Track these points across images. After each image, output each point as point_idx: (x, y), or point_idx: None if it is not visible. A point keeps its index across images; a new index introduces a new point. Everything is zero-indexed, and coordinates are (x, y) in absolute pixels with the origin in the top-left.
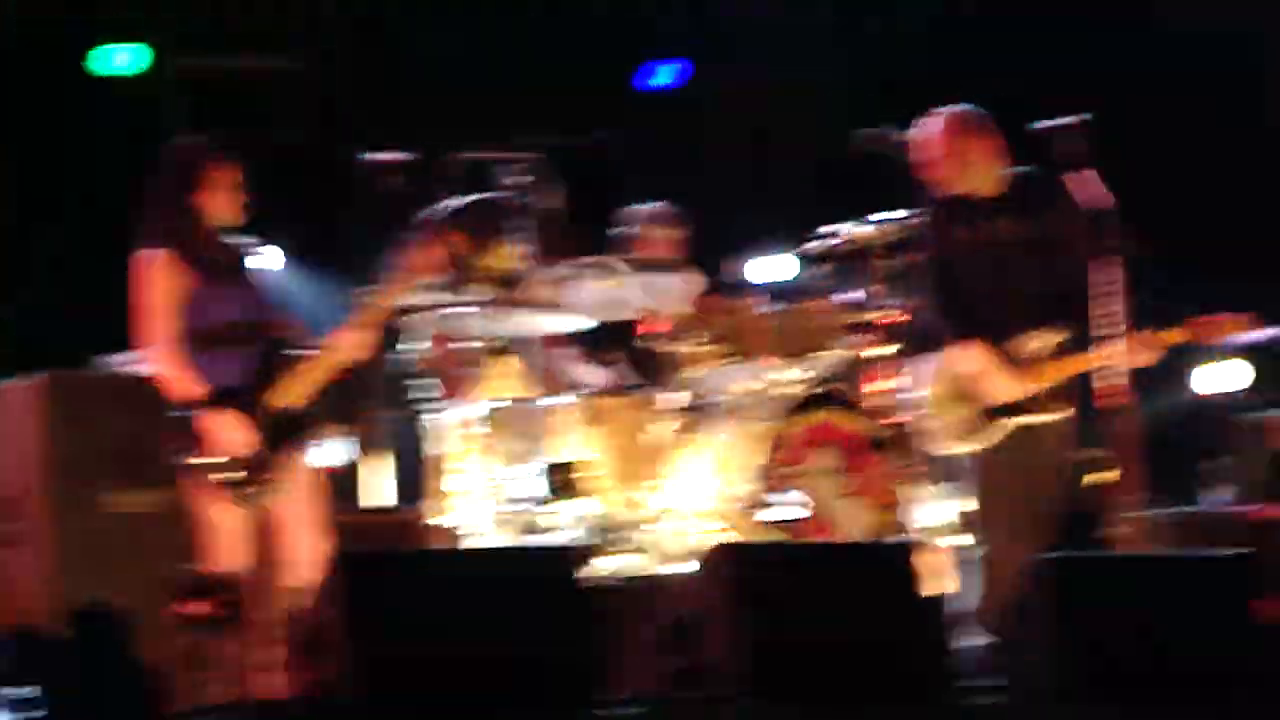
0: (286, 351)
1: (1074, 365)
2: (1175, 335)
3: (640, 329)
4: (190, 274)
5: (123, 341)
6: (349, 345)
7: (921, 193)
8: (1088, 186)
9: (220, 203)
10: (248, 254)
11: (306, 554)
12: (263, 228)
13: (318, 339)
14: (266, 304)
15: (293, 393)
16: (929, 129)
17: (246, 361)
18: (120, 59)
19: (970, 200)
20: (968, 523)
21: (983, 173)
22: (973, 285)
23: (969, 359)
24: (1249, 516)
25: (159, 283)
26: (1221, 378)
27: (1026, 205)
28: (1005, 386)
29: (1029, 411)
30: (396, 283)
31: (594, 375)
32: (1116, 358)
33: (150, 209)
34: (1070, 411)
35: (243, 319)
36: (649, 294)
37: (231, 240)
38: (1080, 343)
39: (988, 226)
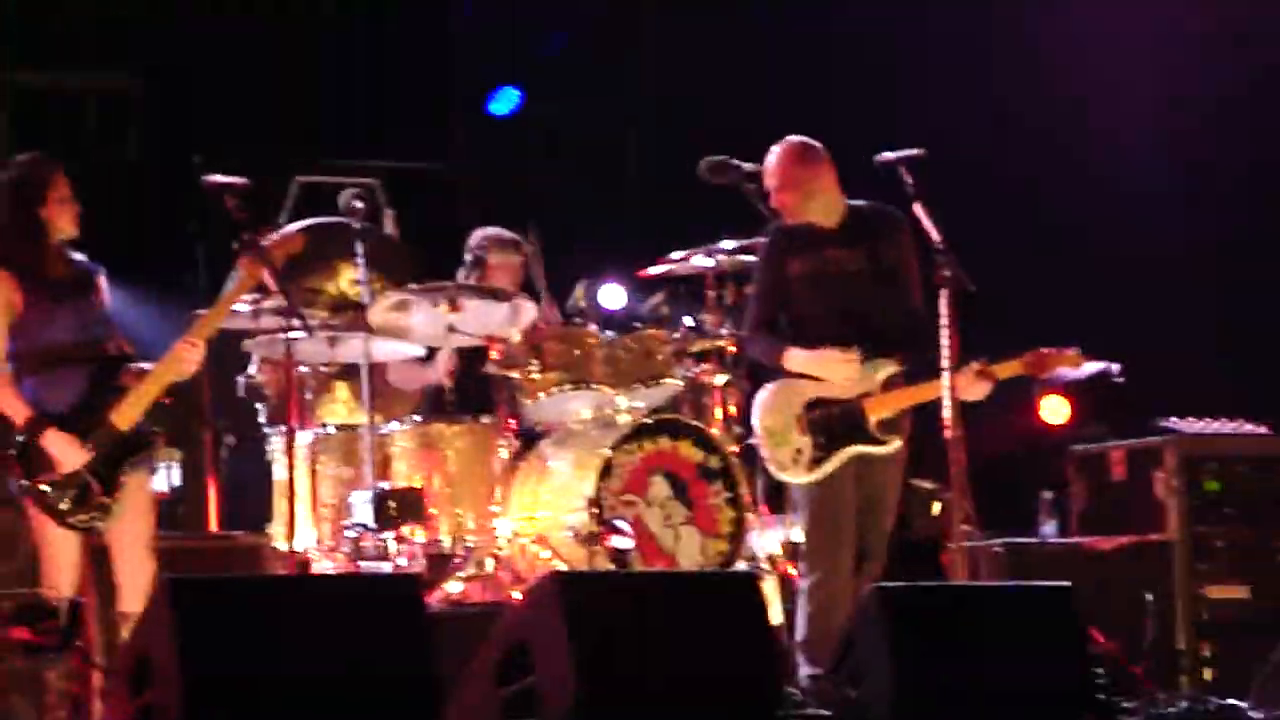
0: (121, 371)
1: (909, 396)
2: (1008, 369)
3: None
4: (27, 293)
5: None
6: (180, 361)
7: (766, 223)
8: (924, 219)
9: (61, 216)
10: (86, 271)
11: (137, 578)
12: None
13: (150, 359)
14: (104, 322)
15: (127, 414)
16: (771, 158)
17: (81, 381)
18: None
19: (810, 229)
20: (796, 552)
21: (821, 203)
22: (809, 313)
23: (798, 364)
24: (1083, 548)
25: None
26: (1056, 410)
27: (865, 236)
28: (842, 372)
29: (865, 441)
30: (226, 299)
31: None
32: (951, 390)
33: None
34: (902, 442)
35: (80, 338)
36: (483, 320)
37: (71, 257)
38: (916, 374)
39: (825, 256)
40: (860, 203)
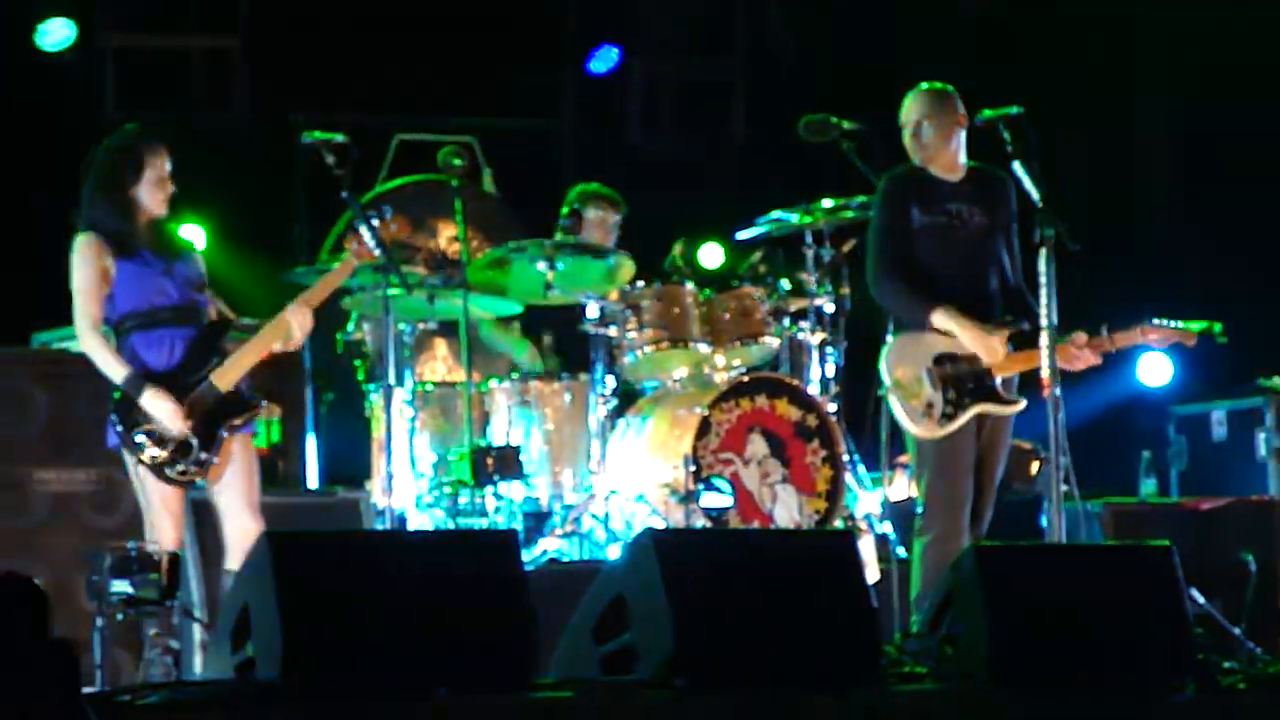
0: (221, 336)
1: (1034, 358)
2: (1124, 340)
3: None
4: (125, 258)
5: (59, 319)
6: (286, 328)
7: (865, 181)
8: (1024, 178)
9: (152, 197)
10: (183, 244)
11: (243, 537)
12: (194, 208)
13: (253, 322)
14: (202, 289)
15: (227, 376)
16: (914, 97)
17: (181, 344)
18: (53, 34)
19: (933, 179)
20: (906, 510)
21: (952, 153)
22: (929, 266)
23: (945, 325)
24: (1184, 507)
25: (92, 265)
26: (1157, 371)
27: (984, 193)
28: (988, 346)
29: (992, 400)
30: (337, 268)
31: (529, 356)
32: (1051, 350)
33: (89, 193)
34: (1023, 403)
35: (179, 303)
36: (581, 278)
37: (164, 230)
38: (1030, 336)
39: (949, 209)
40: (973, 162)
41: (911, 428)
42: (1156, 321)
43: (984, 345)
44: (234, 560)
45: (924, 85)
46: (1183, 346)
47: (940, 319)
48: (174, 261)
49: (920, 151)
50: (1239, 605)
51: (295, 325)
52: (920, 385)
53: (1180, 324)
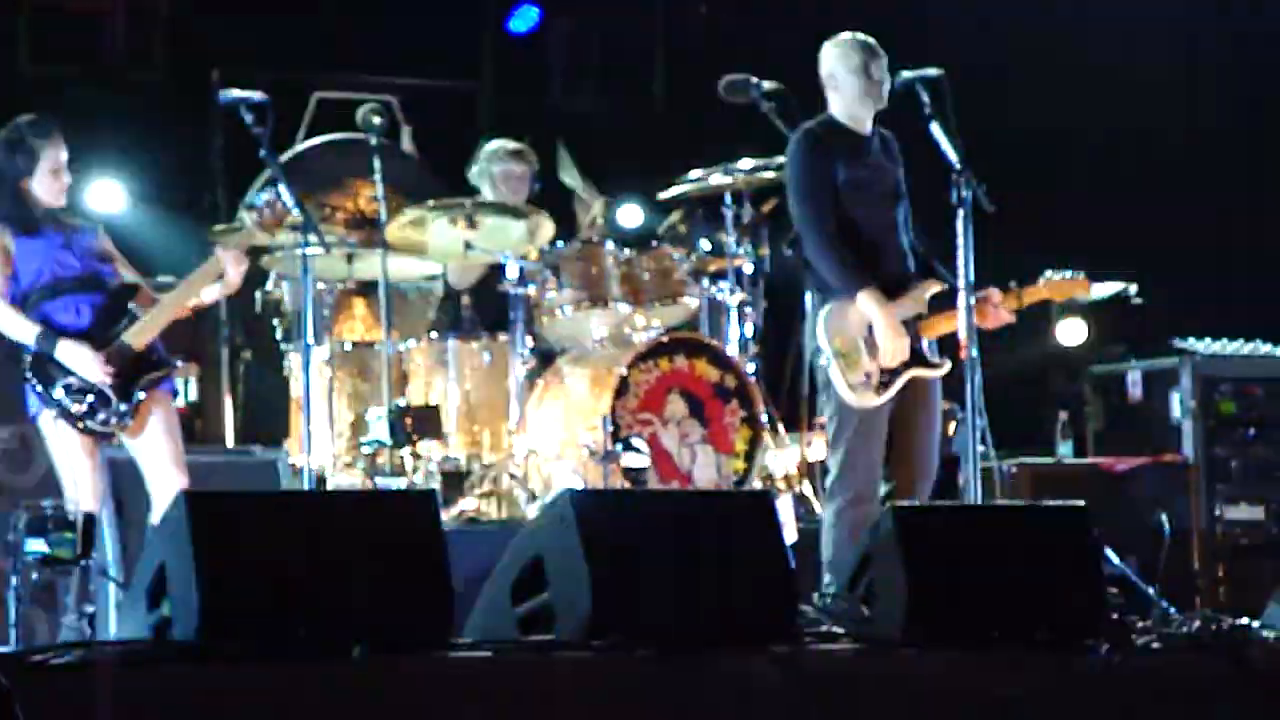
0: (129, 298)
1: (953, 319)
2: (1032, 294)
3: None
4: (25, 235)
5: None
6: (221, 268)
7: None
8: (942, 140)
9: (46, 189)
10: (83, 226)
11: (168, 494)
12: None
13: (164, 281)
14: (107, 261)
15: (141, 335)
16: (837, 44)
17: (89, 308)
18: None
19: (851, 133)
20: (826, 471)
21: (871, 105)
22: (852, 222)
23: (865, 313)
24: (1100, 468)
25: None
26: (1073, 331)
27: (891, 149)
28: (893, 349)
29: (922, 365)
30: (255, 226)
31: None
32: (968, 311)
33: None
34: (949, 365)
35: (84, 273)
36: (500, 238)
37: (61, 216)
38: (948, 296)
39: (870, 164)
40: None
41: (850, 398)
42: (1055, 274)
43: (892, 342)
44: (159, 517)
45: (846, 35)
46: (1098, 304)
47: (864, 301)
48: (74, 234)
49: (841, 103)
50: (1153, 565)
51: (228, 267)
52: (859, 354)
53: (1074, 274)
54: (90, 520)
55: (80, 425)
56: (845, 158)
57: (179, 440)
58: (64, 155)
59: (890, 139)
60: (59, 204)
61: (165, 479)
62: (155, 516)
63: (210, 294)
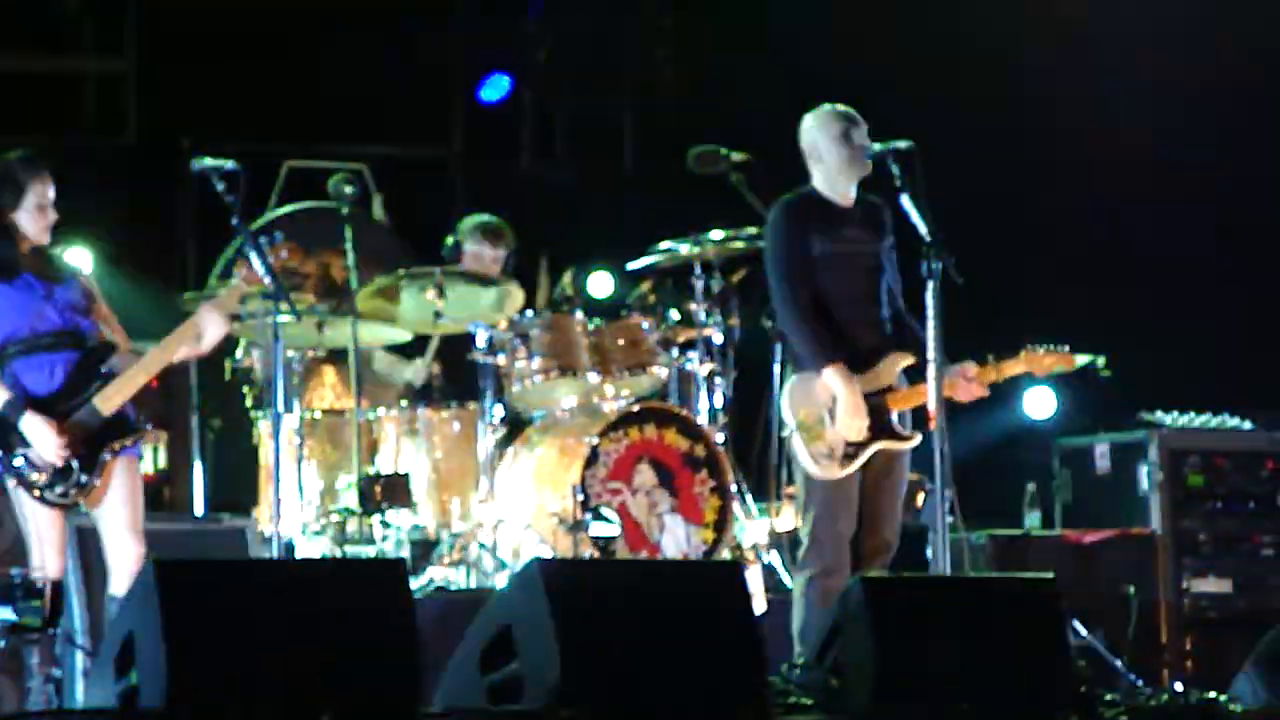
0: (104, 359)
1: (922, 392)
2: (1009, 368)
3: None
4: (5, 281)
5: None
6: (199, 331)
7: (754, 214)
8: (912, 212)
9: (33, 224)
10: (68, 270)
11: (124, 561)
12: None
13: (140, 346)
14: (87, 315)
15: (112, 399)
16: (819, 116)
17: (63, 367)
18: None
19: (828, 205)
20: (796, 542)
21: (852, 177)
22: (828, 295)
23: (829, 388)
24: (1068, 540)
25: None
26: (1041, 404)
27: (873, 220)
28: (854, 425)
29: (890, 437)
30: (227, 293)
31: (417, 375)
32: (938, 382)
33: None
34: (919, 438)
35: (62, 328)
36: (470, 307)
37: (49, 256)
38: (922, 368)
39: (847, 235)
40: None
41: (814, 470)
42: (1035, 348)
43: (851, 419)
44: (117, 585)
45: (826, 105)
46: (1066, 376)
47: (829, 376)
48: (55, 285)
49: (821, 174)
50: (1121, 637)
51: (208, 327)
52: (822, 426)
53: (1060, 348)
54: (57, 588)
55: (38, 495)
56: (823, 230)
57: (139, 507)
58: (51, 192)
59: (878, 208)
60: (43, 240)
61: (121, 546)
62: (114, 584)
63: (180, 354)
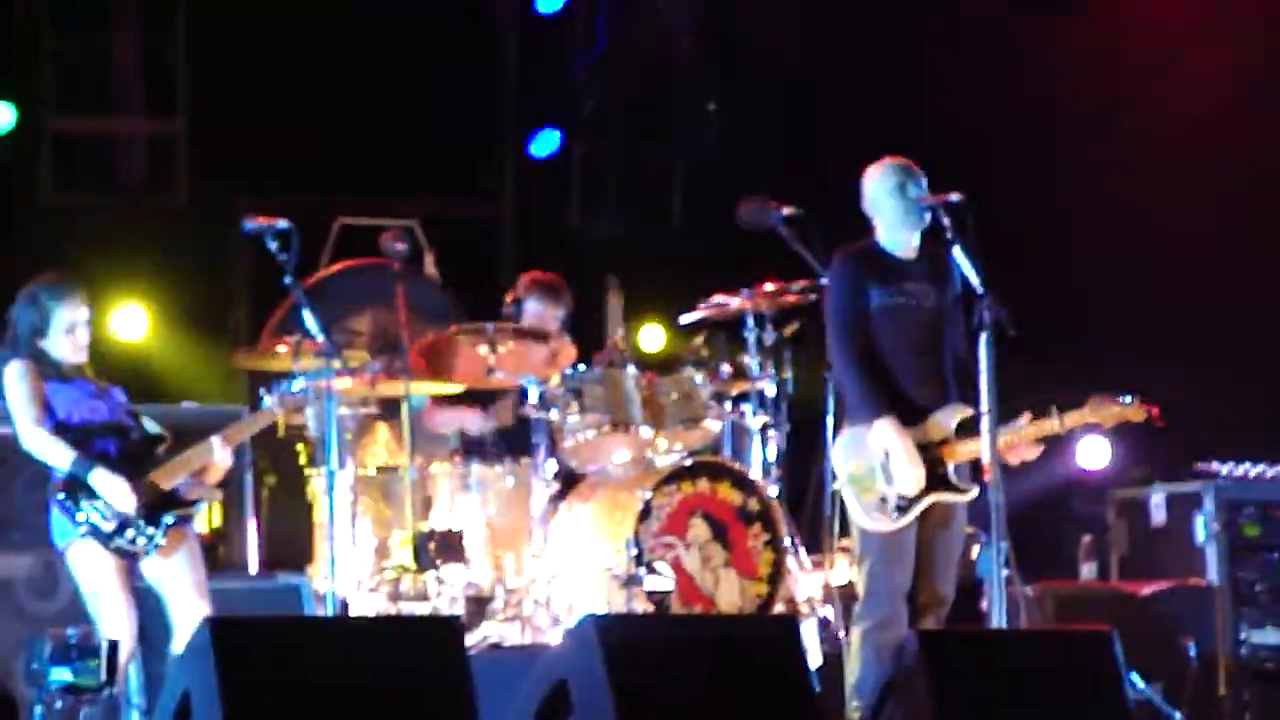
0: (155, 446)
1: (976, 445)
2: (1073, 420)
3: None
4: (57, 380)
5: None
6: (210, 464)
7: (805, 265)
8: (964, 262)
9: (62, 347)
10: (104, 385)
11: (189, 619)
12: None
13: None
14: (130, 415)
15: (167, 476)
16: (880, 169)
17: (116, 452)
18: None
19: (888, 258)
20: (852, 596)
21: (912, 228)
22: (885, 348)
23: (881, 441)
24: (1124, 592)
25: (26, 379)
26: (1096, 454)
27: (937, 271)
28: (909, 477)
29: (946, 489)
30: (259, 415)
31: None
32: (1017, 440)
33: (9, 341)
34: (976, 490)
35: (110, 419)
36: (523, 362)
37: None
38: (976, 420)
39: (906, 288)
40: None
41: (866, 522)
42: (1102, 399)
43: (907, 470)
44: (178, 644)
45: (885, 159)
46: (1122, 427)
47: (880, 429)
48: (106, 386)
49: (882, 227)
50: (1179, 690)
51: (216, 460)
52: (874, 479)
53: (1128, 400)
54: (115, 648)
55: (110, 544)
56: (882, 282)
57: (202, 569)
58: (82, 313)
59: (943, 259)
60: (78, 360)
61: (188, 606)
62: (178, 644)
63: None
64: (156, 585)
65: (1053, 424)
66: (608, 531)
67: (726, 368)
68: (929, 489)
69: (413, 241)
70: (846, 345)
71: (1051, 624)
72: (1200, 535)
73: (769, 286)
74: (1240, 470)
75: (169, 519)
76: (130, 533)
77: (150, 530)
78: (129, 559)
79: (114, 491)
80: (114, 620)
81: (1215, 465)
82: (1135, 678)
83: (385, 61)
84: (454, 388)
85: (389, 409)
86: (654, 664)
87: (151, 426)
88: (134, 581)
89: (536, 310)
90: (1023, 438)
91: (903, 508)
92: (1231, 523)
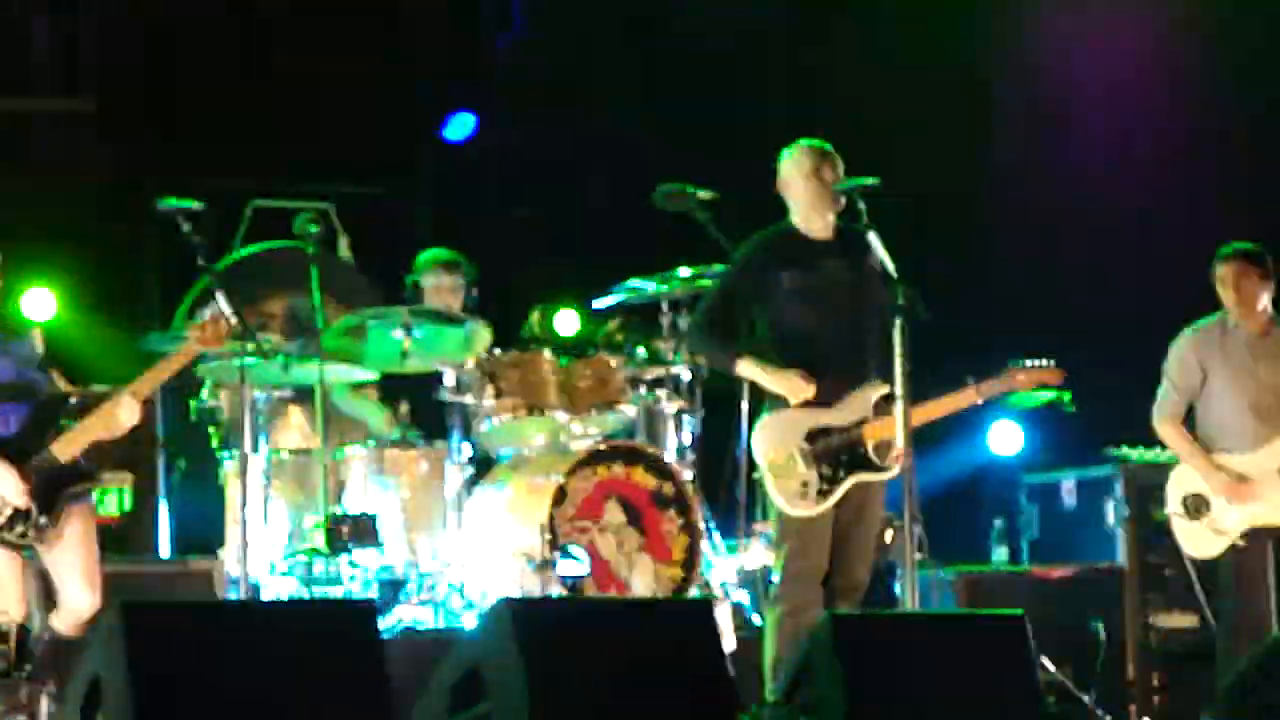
0: (58, 410)
1: (896, 421)
2: (995, 386)
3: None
4: None
5: None
6: (115, 419)
7: (720, 250)
8: (878, 247)
9: None
10: (17, 326)
11: (74, 608)
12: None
13: (96, 390)
14: (40, 367)
15: (67, 447)
16: (798, 152)
17: (18, 416)
18: None
19: (803, 240)
20: (767, 579)
21: (829, 210)
22: (801, 327)
23: (748, 374)
24: (1035, 575)
25: None
26: (1008, 439)
27: (853, 250)
28: (793, 389)
29: (867, 469)
30: (168, 360)
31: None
32: (904, 417)
33: None
34: (896, 469)
35: (16, 380)
36: (437, 346)
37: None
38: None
39: (821, 267)
40: (838, 220)
41: (788, 508)
42: (1020, 363)
43: (787, 385)
44: (65, 627)
45: (801, 141)
46: (1033, 412)
47: (744, 367)
48: (9, 341)
49: (796, 210)
50: (1089, 673)
51: (122, 415)
52: (794, 464)
53: (1045, 364)
54: (24, 632)
55: (3, 544)
56: (796, 263)
57: (95, 555)
58: None
59: (860, 236)
60: None
61: (75, 594)
62: (61, 626)
63: (105, 435)
64: (47, 568)
65: (969, 394)
66: (522, 515)
67: (641, 352)
68: (851, 470)
69: (327, 224)
70: (699, 316)
71: (963, 608)
72: (1110, 520)
73: (685, 271)
74: (1150, 455)
75: (63, 503)
76: (19, 528)
77: (42, 519)
78: (19, 550)
79: (5, 483)
80: (10, 603)
81: (1125, 450)
82: (1046, 661)
83: (299, 43)
84: (367, 372)
85: (302, 393)
86: (568, 648)
87: (60, 382)
88: (36, 564)
89: (434, 284)
90: (942, 409)
91: (824, 491)
92: (1142, 507)
